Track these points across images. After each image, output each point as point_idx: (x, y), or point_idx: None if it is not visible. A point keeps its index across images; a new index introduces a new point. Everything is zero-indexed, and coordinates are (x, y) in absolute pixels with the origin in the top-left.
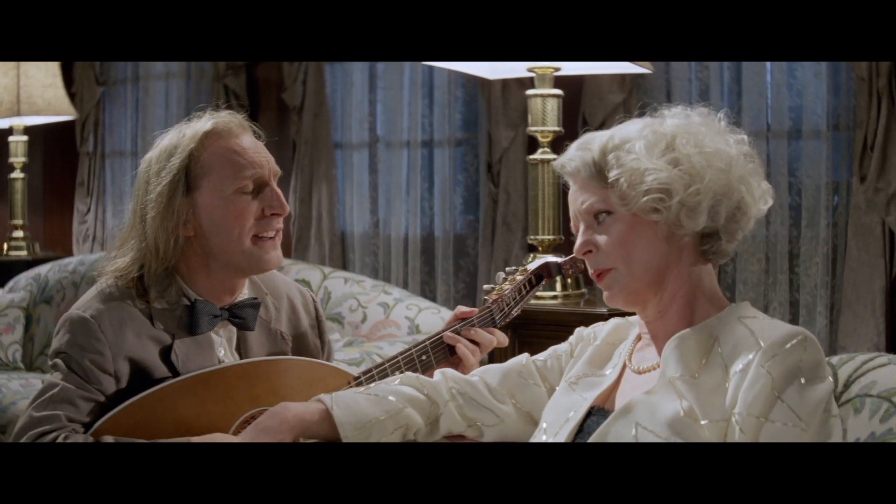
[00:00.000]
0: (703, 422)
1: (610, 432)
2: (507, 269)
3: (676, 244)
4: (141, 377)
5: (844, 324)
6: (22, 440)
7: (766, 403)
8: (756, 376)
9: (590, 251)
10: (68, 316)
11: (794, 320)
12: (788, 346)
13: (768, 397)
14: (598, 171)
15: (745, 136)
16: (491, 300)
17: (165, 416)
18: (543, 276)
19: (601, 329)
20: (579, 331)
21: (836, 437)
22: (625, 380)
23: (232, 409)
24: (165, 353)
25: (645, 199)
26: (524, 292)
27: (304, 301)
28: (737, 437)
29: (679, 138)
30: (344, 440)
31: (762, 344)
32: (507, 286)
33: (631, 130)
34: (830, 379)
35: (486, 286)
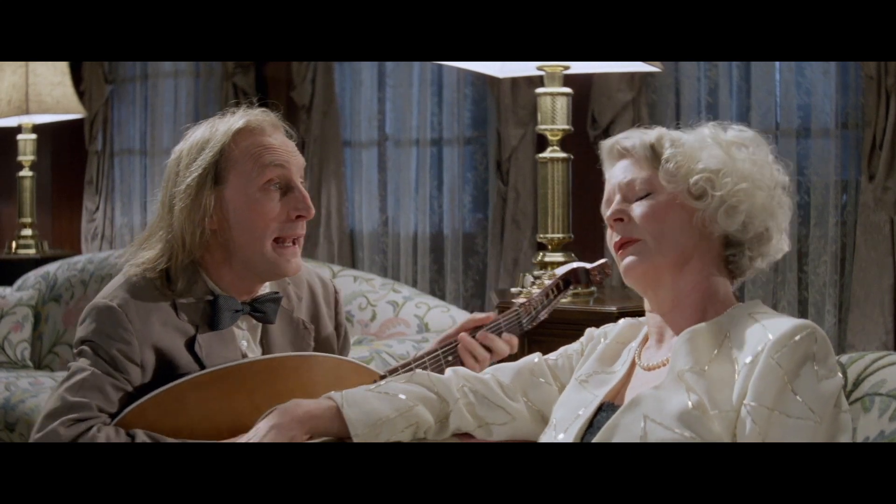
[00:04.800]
0: (712, 412)
1: (619, 425)
2: (535, 272)
3: (706, 239)
4: (167, 367)
5: (853, 322)
6: (55, 424)
7: (778, 395)
8: (766, 367)
9: (620, 219)
10: (94, 305)
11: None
12: (798, 338)
13: (780, 389)
14: (652, 152)
15: (788, 179)
16: (519, 304)
17: (192, 408)
18: (571, 281)
19: (611, 329)
20: (590, 331)
21: (847, 433)
22: (634, 376)
23: (258, 404)
24: (189, 345)
25: (695, 178)
26: (551, 297)
27: (325, 291)
28: (748, 428)
29: (736, 145)
30: (354, 439)
31: (771, 336)
32: (535, 290)
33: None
34: (840, 374)
35: (513, 289)
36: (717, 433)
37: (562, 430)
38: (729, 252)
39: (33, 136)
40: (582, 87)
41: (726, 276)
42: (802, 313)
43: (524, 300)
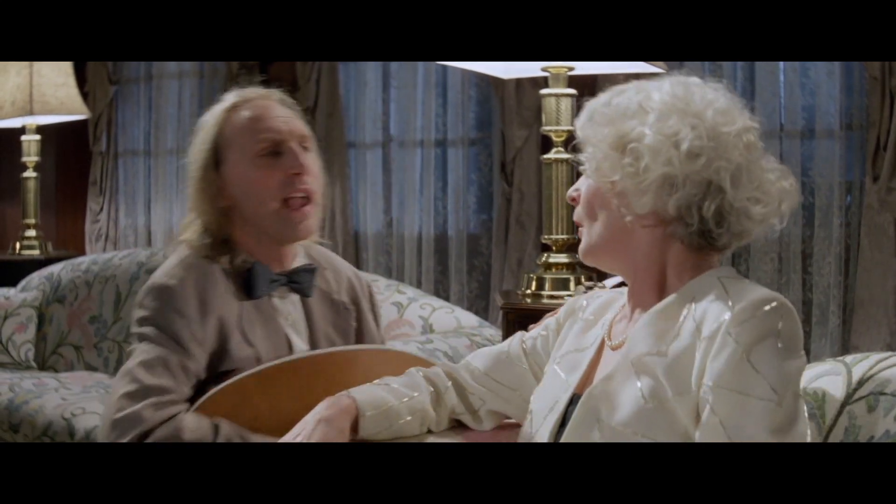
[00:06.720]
0: (673, 397)
1: (578, 436)
2: (587, 283)
3: (635, 221)
4: (223, 339)
5: (857, 323)
6: (137, 407)
7: (736, 372)
8: (723, 344)
9: (574, 199)
10: (152, 284)
11: (807, 320)
12: (761, 311)
13: (737, 365)
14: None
15: (748, 124)
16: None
17: (267, 397)
18: None
19: (593, 301)
20: (571, 302)
21: (805, 420)
22: (603, 357)
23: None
24: (238, 317)
25: (588, 168)
26: None
27: (360, 284)
28: (705, 410)
29: (672, 115)
30: (361, 420)
31: (733, 307)
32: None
33: (626, 94)
34: (805, 358)
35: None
36: (679, 424)
37: (538, 423)
38: (670, 228)
39: (37, 137)
40: (586, 89)
41: (679, 244)
42: (807, 314)
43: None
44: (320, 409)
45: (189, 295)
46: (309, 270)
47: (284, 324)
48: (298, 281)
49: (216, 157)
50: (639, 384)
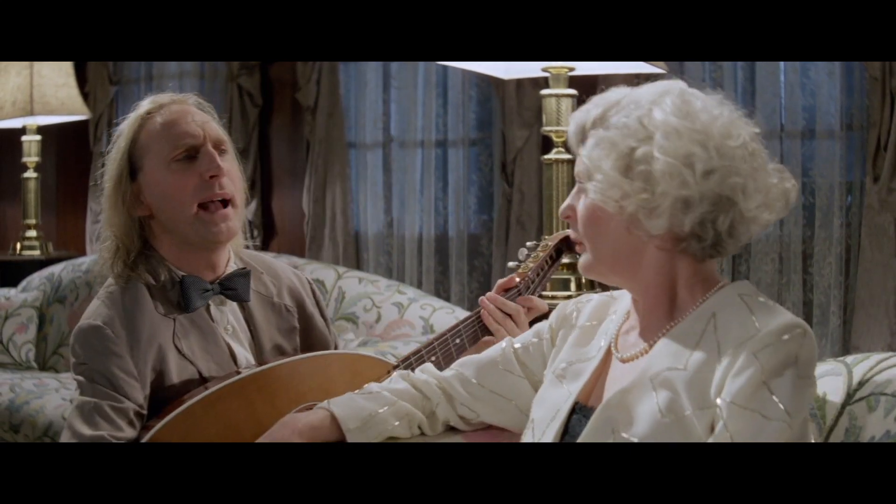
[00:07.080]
0: (692, 412)
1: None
2: (529, 244)
3: (642, 237)
4: (163, 362)
5: (858, 324)
6: None
7: (754, 393)
8: (746, 364)
9: (569, 216)
10: (79, 328)
11: (807, 320)
12: (786, 337)
13: (756, 389)
14: (580, 136)
15: (751, 133)
16: (518, 279)
17: (215, 421)
18: (563, 249)
19: (585, 307)
20: (561, 308)
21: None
22: (611, 369)
23: (280, 408)
24: (174, 337)
25: (595, 195)
26: (547, 267)
27: (301, 282)
28: (718, 425)
29: (659, 135)
30: (347, 434)
31: (759, 329)
32: (531, 263)
33: (622, 109)
34: (816, 381)
35: (510, 263)
36: (695, 439)
37: (539, 432)
38: (681, 245)
39: (38, 137)
40: (587, 89)
41: (688, 257)
42: (807, 315)
43: (522, 273)
44: (273, 431)
45: (118, 331)
46: (243, 275)
47: (224, 334)
48: (232, 287)
49: (131, 167)
50: (656, 399)
